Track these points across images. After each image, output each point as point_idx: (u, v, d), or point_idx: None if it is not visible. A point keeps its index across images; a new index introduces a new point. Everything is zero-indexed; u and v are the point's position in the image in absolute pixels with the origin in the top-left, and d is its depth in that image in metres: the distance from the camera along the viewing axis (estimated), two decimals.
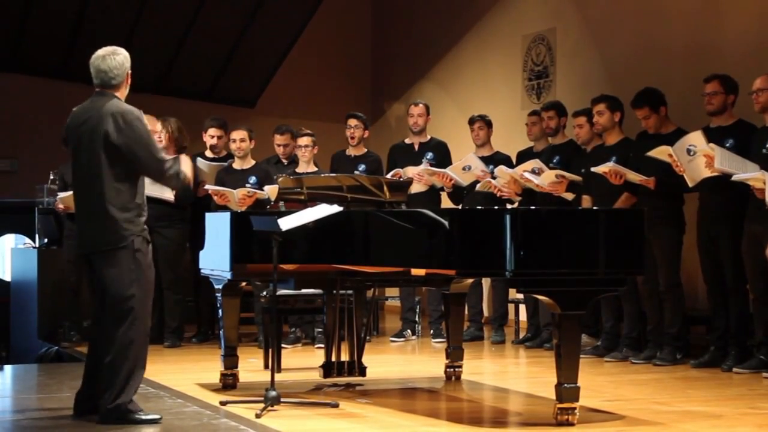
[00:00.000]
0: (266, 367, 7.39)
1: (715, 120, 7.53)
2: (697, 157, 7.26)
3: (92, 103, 5.58)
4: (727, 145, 7.29)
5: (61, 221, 9.94)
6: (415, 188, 9.00)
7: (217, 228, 6.63)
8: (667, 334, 7.81)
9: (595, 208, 7.58)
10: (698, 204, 7.65)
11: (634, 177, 7.70)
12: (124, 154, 5.46)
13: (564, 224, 5.51)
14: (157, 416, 5.53)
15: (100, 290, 5.59)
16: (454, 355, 7.12)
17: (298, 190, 6.66)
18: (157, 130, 9.17)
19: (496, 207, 7.74)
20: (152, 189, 8.90)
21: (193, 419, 5.62)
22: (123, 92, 5.63)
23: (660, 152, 7.47)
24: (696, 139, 7.28)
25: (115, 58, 5.58)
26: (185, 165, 5.78)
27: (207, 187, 8.97)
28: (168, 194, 9.02)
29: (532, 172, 8.52)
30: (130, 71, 5.62)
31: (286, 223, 5.80)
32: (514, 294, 9.59)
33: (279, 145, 9.48)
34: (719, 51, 8.73)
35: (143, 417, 5.47)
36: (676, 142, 7.44)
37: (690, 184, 7.39)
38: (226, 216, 6.57)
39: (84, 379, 5.71)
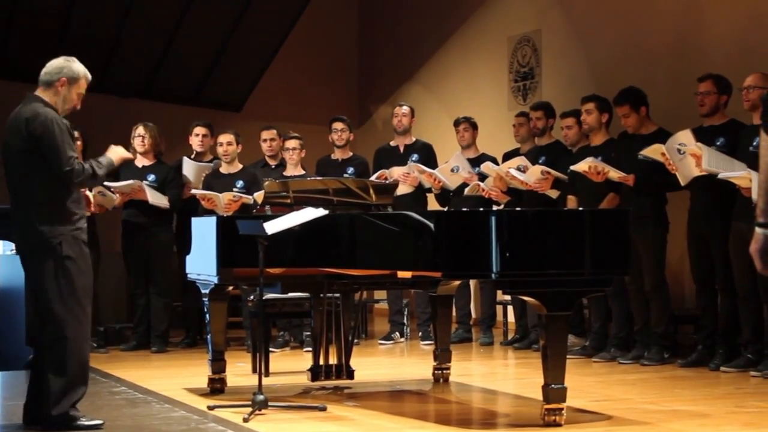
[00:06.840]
0: (254, 371, 7.37)
1: (707, 120, 7.54)
2: (687, 156, 7.27)
3: (20, 106, 5.56)
4: (718, 143, 7.31)
5: None
6: (402, 190, 9.01)
7: (204, 232, 6.62)
8: (654, 333, 7.83)
9: (580, 208, 7.59)
10: (689, 203, 7.66)
11: (614, 174, 7.72)
12: (36, 154, 5.42)
13: (549, 225, 5.52)
14: (99, 421, 5.45)
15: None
16: (443, 357, 7.12)
17: (284, 193, 6.66)
18: (140, 134, 9.22)
19: (481, 209, 7.74)
20: (153, 197, 8.94)
21: (180, 424, 5.61)
22: (51, 94, 5.52)
23: (653, 151, 7.48)
24: (685, 138, 7.29)
25: (58, 60, 5.58)
26: (112, 153, 5.70)
27: (194, 191, 8.96)
28: (164, 202, 9.03)
29: (518, 169, 8.53)
30: (66, 78, 5.52)
31: (273, 227, 5.80)
32: (502, 296, 9.59)
33: (265, 140, 9.48)
34: (704, 52, 8.75)
35: (86, 423, 5.40)
36: (667, 141, 7.45)
37: (682, 183, 7.40)
38: (212, 220, 6.56)
39: (29, 387, 5.58)
